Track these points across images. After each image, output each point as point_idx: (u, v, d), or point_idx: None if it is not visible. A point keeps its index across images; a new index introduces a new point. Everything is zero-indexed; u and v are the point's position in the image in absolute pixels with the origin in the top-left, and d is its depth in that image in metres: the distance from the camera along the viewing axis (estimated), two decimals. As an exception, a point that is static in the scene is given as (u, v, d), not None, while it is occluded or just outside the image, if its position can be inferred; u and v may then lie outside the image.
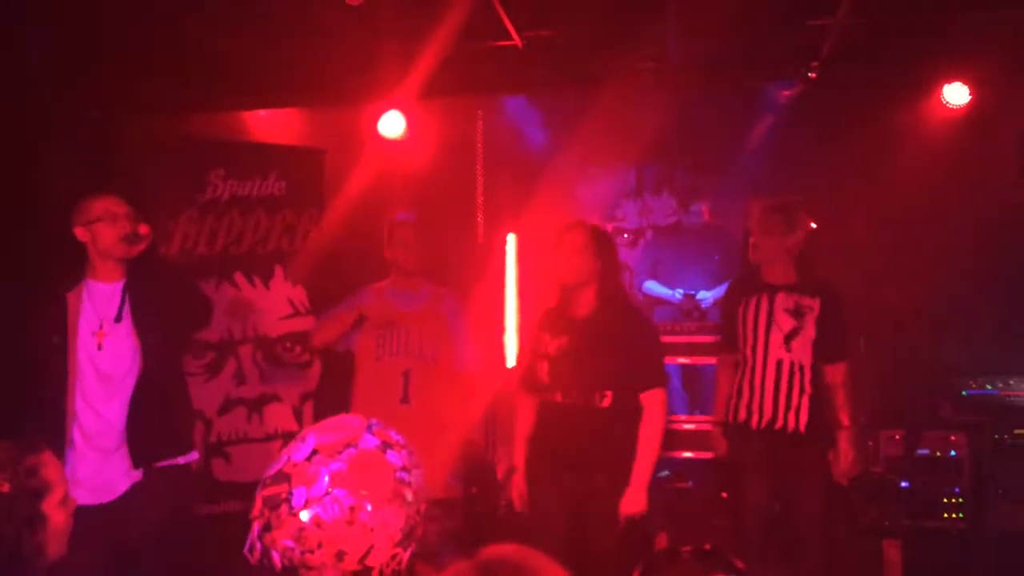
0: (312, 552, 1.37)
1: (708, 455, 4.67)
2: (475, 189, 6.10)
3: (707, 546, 1.64)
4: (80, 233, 3.12)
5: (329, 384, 4.69)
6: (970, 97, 4.83)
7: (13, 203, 4.43)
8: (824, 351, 3.76)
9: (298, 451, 1.43)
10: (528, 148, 6.29)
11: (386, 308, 3.99)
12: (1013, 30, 4.10)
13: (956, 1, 4.25)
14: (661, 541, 4.29)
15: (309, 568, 1.38)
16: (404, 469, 1.46)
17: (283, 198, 4.82)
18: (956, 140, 5.05)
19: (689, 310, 5.38)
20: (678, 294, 5.42)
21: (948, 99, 4.88)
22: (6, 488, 1.84)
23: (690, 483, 4.68)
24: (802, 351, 3.75)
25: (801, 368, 3.73)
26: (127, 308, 3.07)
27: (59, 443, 2.94)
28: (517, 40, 4.54)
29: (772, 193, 5.87)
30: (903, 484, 4.56)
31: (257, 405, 4.62)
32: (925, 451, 4.57)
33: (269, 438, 4.63)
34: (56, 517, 1.91)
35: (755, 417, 3.75)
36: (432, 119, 5.51)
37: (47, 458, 1.92)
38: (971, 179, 5.14)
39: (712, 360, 4.87)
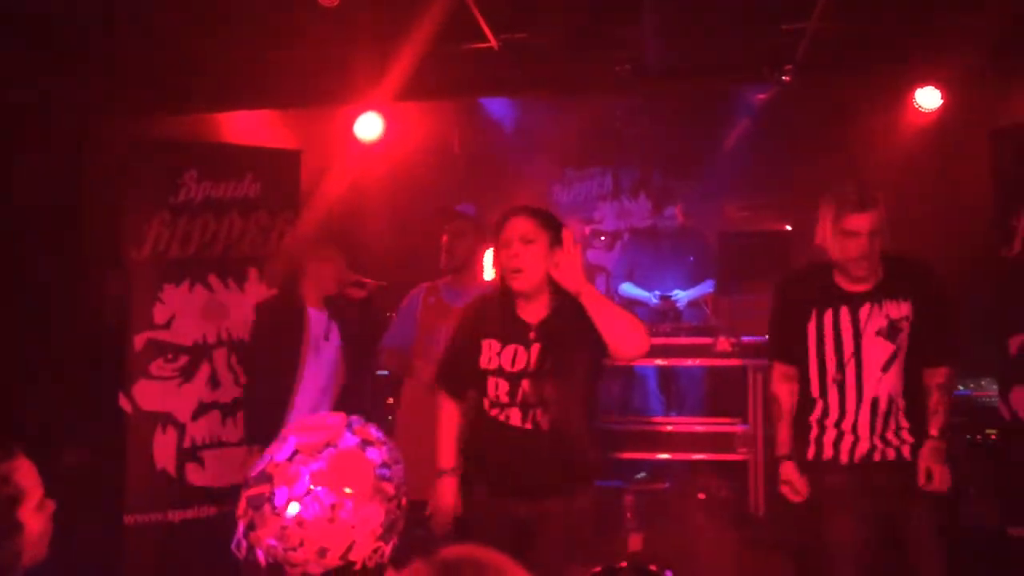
0: (295, 550, 1.41)
1: (686, 456, 4.70)
2: (452, 191, 6.09)
3: (652, 567, 1.67)
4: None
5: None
6: (942, 101, 4.90)
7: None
8: (922, 356, 3.04)
9: (280, 451, 1.47)
10: (505, 150, 6.29)
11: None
12: (983, 34, 4.16)
13: (928, 6, 4.30)
14: (635, 543, 4.30)
15: (293, 565, 1.42)
16: (384, 465, 1.49)
17: (258, 200, 4.78)
18: (928, 143, 5.11)
19: (665, 311, 5.40)
20: (655, 296, 5.44)
21: (920, 103, 4.95)
22: None
23: (667, 484, 4.69)
24: (898, 375, 3.03)
25: (902, 396, 3.05)
26: (334, 329, 3.99)
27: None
28: (493, 42, 4.54)
29: (745, 195, 5.94)
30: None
31: (232, 409, 4.57)
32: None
33: (244, 443, 4.58)
34: (32, 524, 1.87)
35: (845, 455, 3.05)
36: (408, 121, 5.50)
37: (20, 463, 1.88)
38: (943, 181, 5.20)
39: (688, 362, 4.90)
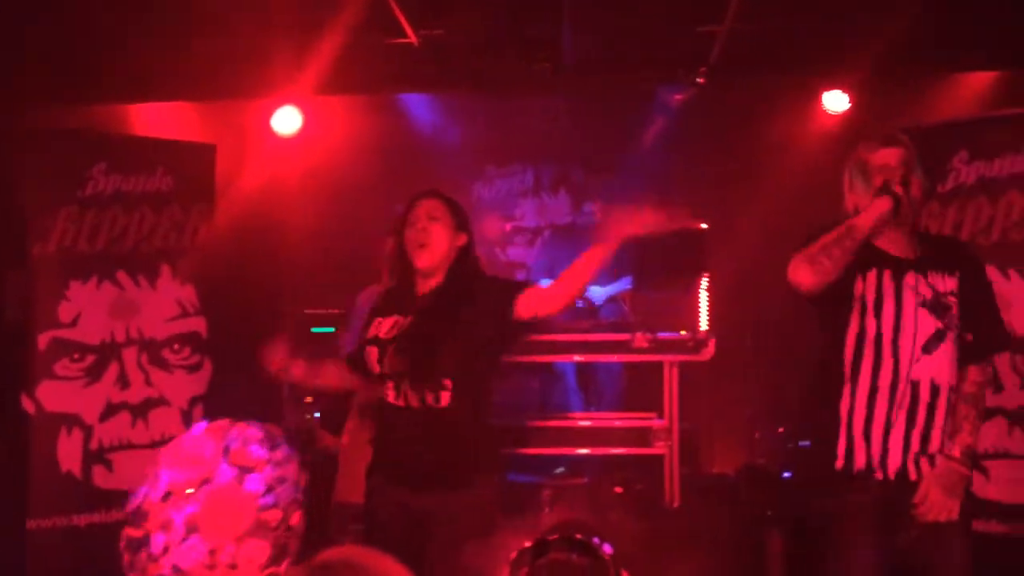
0: None
1: (604, 451, 4.76)
2: (369, 188, 6.04)
3: (578, 535, 1.65)
4: None
5: (220, 386, 4.56)
6: (849, 104, 5.08)
7: None
8: (966, 348, 2.53)
9: (154, 488, 1.39)
10: (425, 147, 6.27)
11: None
12: (888, 38, 4.32)
13: (836, 11, 4.45)
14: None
15: None
16: (268, 491, 1.41)
17: (170, 194, 4.65)
18: (835, 144, 5.28)
19: (583, 308, 5.46)
20: (574, 293, 5.49)
21: (828, 105, 5.12)
22: None
23: (585, 479, 4.75)
24: (945, 362, 2.50)
25: (949, 389, 2.51)
26: None
27: None
28: (413, 38, 4.52)
29: (662, 193, 6.04)
30: (785, 475, 4.74)
31: (142, 410, 4.44)
32: (807, 443, 4.75)
33: (156, 444, 4.46)
34: None
35: (877, 470, 2.49)
36: (327, 116, 5.44)
37: None
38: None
39: (605, 358, 4.97)
